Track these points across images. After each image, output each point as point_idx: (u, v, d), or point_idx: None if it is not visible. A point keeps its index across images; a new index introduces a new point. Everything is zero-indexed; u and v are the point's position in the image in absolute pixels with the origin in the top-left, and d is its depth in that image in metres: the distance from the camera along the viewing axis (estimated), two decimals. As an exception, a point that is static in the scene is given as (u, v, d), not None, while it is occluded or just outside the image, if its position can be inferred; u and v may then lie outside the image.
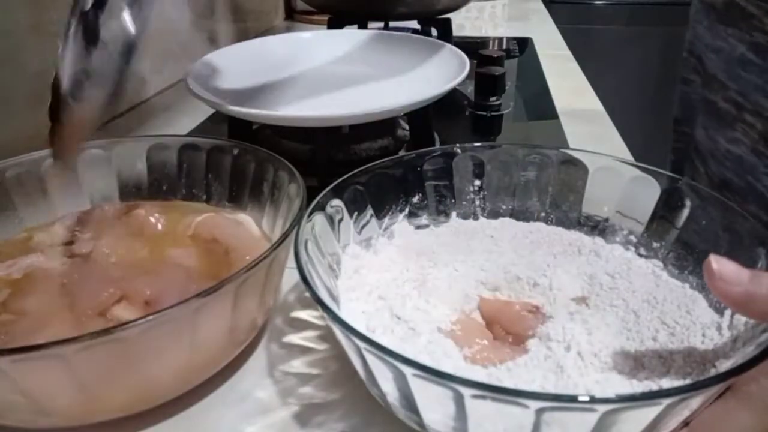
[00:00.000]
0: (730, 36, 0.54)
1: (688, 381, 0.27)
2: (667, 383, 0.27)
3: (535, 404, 0.22)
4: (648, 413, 0.23)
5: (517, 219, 0.41)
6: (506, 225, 0.41)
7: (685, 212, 0.35)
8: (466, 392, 0.22)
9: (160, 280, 0.34)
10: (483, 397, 0.22)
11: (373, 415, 0.31)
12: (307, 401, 0.33)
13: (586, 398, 0.22)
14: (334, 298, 0.32)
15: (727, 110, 0.56)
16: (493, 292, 0.35)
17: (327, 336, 0.37)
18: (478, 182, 0.41)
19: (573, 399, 0.22)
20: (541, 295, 0.34)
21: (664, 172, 0.37)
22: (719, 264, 0.25)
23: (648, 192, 0.37)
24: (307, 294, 0.27)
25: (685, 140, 0.66)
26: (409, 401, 0.25)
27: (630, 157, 0.56)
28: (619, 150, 0.62)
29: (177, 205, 0.43)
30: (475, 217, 0.41)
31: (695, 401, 0.23)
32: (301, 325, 0.38)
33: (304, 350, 0.36)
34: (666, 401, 0.22)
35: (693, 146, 0.63)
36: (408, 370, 0.23)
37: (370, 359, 0.25)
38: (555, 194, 0.40)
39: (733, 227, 0.32)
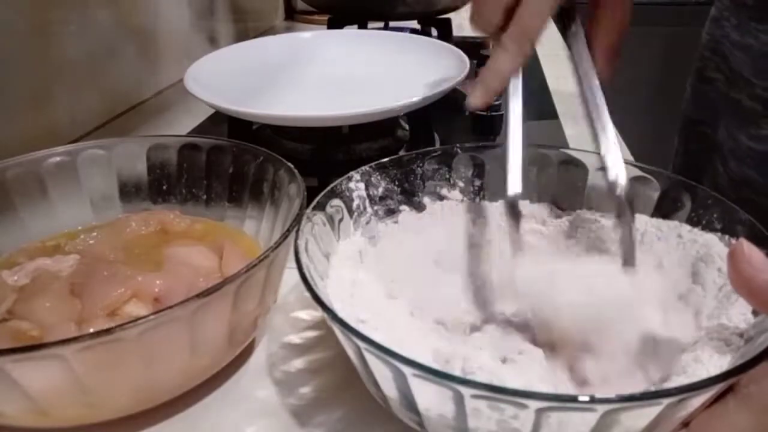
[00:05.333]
0: (761, 32, 0.55)
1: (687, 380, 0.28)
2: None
3: (535, 404, 0.22)
4: (648, 413, 0.23)
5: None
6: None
7: (685, 212, 0.35)
8: (466, 392, 0.22)
9: (169, 276, 0.34)
10: (483, 397, 0.22)
11: (373, 415, 0.31)
12: (307, 401, 0.33)
13: (586, 398, 0.22)
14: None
15: (751, 108, 0.56)
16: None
17: (327, 336, 0.37)
18: (478, 182, 0.41)
19: (573, 399, 0.22)
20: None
21: (664, 172, 0.37)
22: (750, 248, 0.25)
23: (648, 192, 0.37)
24: (307, 294, 0.27)
25: (701, 140, 0.66)
26: (409, 401, 0.25)
27: (630, 157, 0.56)
28: (619, 150, 0.62)
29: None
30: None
31: (695, 401, 0.23)
32: (301, 325, 0.38)
33: (304, 350, 0.36)
34: (666, 401, 0.22)
35: (713, 145, 0.63)
36: (408, 370, 0.23)
37: (370, 359, 0.25)
38: (555, 194, 0.40)
39: (732, 227, 0.32)
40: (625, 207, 0.32)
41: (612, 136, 0.34)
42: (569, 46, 0.38)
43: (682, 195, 0.35)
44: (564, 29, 0.38)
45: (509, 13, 0.35)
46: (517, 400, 0.22)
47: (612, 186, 0.33)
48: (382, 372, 0.25)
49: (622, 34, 0.37)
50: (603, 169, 0.33)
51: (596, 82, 0.36)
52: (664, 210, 0.36)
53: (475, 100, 0.37)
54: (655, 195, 0.37)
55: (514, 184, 0.34)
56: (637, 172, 0.37)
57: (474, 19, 0.37)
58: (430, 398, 0.24)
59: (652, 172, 0.37)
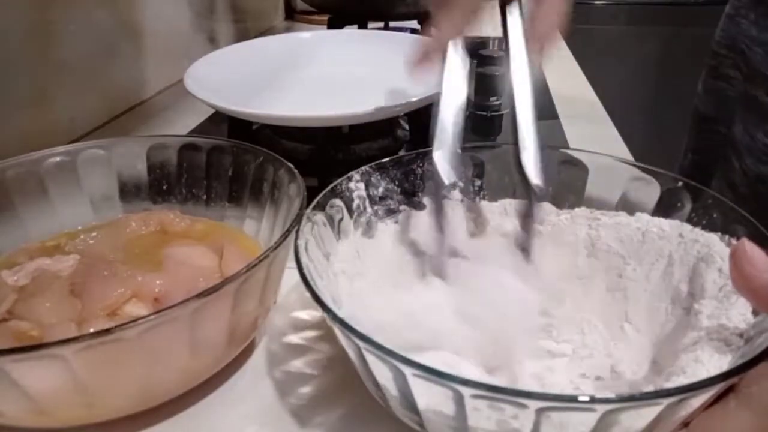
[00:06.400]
0: None
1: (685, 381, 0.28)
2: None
3: (535, 404, 0.22)
4: (648, 413, 0.23)
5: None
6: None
7: (685, 212, 0.35)
8: (466, 392, 0.22)
9: (169, 276, 0.34)
10: (483, 397, 0.22)
11: (373, 415, 0.31)
12: (307, 401, 0.33)
13: (586, 398, 0.22)
14: (334, 298, 0.32)
15: None
16: None
17: (327, 336, 0.37)
18: (478, 182, 0.41)
19: (573, 399, 0.22)
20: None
21: (665, 171, 0.37)
22: (752, 248, 0.25)
23: (648, 192, 0.37)
24: (307, 294, 0.27)
25: (714, 138, 0.65)
26: (409, 401, 0.25)
27: (630, 157, 0.56)
28: (619, 150, 0.62)
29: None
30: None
31: (695, 401, 0.23)
32: (301, 325, 0.38)
33: (304, 350, 0.36)
34: (666, 401, 0.22)
35: (728, 142, 0.62)
36: (408, 370, 0.23)
37: (370, 359, 0.25)
38: (555, 194, 0.40)
39: (732, 228, 0.32)
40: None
41: (532, 129, 0.35)
42: (504, 25, 0.39)
43: (683, 195, 0.35)
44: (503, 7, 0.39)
45: None
46: (517, 400, 0.22)
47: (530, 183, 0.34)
48: (382, 372, 0.25)
49: (559, 25, 0.38)
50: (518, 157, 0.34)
51: (527, 71, 0.37)
52: (664, 210, 0.36)
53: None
54: (656, 195, 0.37)
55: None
56: (638, 172, 0.37)
57: None
58: (430, 398, 0.24)
59: (653, 172, 0.37)
